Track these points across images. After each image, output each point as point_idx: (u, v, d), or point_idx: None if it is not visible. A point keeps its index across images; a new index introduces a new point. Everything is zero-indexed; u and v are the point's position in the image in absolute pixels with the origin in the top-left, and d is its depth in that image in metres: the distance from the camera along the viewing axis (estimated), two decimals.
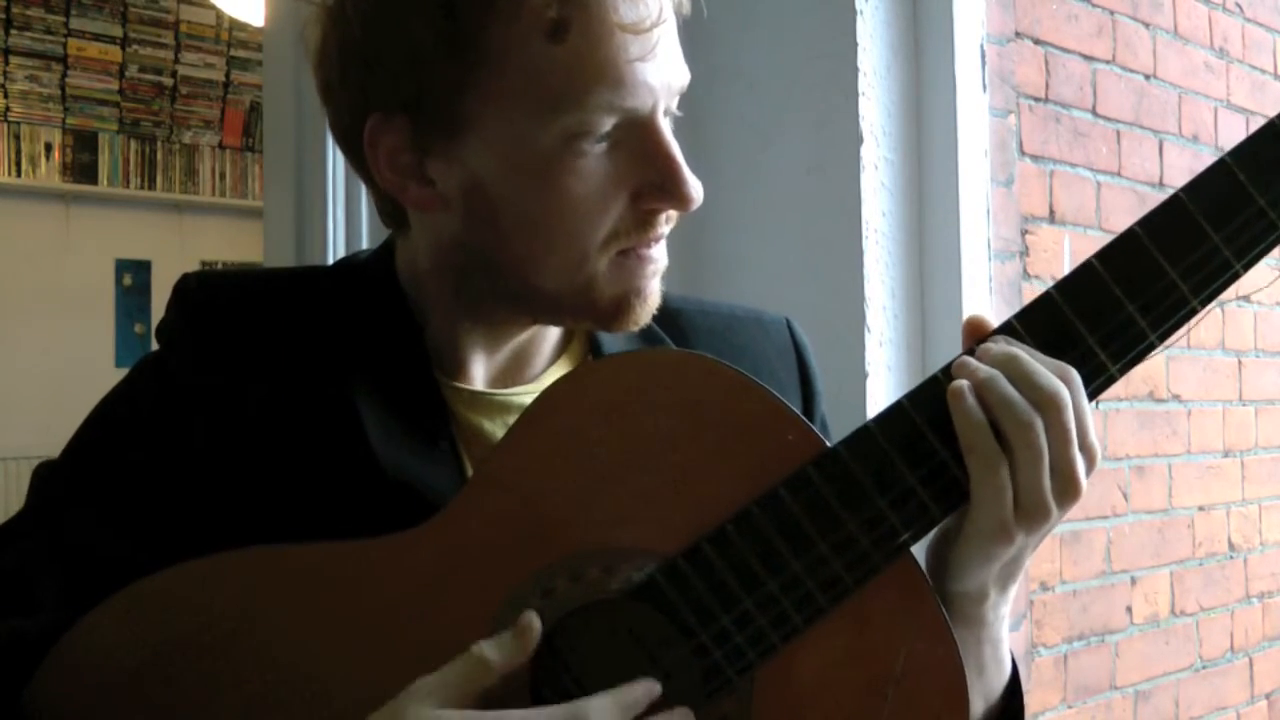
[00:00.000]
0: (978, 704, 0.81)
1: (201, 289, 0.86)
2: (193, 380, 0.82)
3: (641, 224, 0.78)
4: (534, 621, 0.69)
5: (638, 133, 0.76)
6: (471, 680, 0.68)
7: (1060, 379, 0.70)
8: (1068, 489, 0.70)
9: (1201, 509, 2.20)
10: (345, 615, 0.73)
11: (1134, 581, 2.04)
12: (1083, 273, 0.72)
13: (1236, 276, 0.72)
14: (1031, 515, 0.70)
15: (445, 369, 0.85)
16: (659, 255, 0.81)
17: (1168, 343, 0.72)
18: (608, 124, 0.75)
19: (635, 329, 0.82)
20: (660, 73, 0.76)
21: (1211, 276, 0.71)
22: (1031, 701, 1.77)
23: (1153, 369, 2.08)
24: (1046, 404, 0.69)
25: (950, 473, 0.70)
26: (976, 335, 0.74)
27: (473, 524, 0.72)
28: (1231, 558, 2.28)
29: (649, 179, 0.77)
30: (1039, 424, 0.69)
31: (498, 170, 0.77)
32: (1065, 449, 0.70)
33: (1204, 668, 2.19)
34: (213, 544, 0.74)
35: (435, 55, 0.75)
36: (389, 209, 0.86)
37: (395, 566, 0.73)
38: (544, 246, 0.78)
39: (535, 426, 0.73)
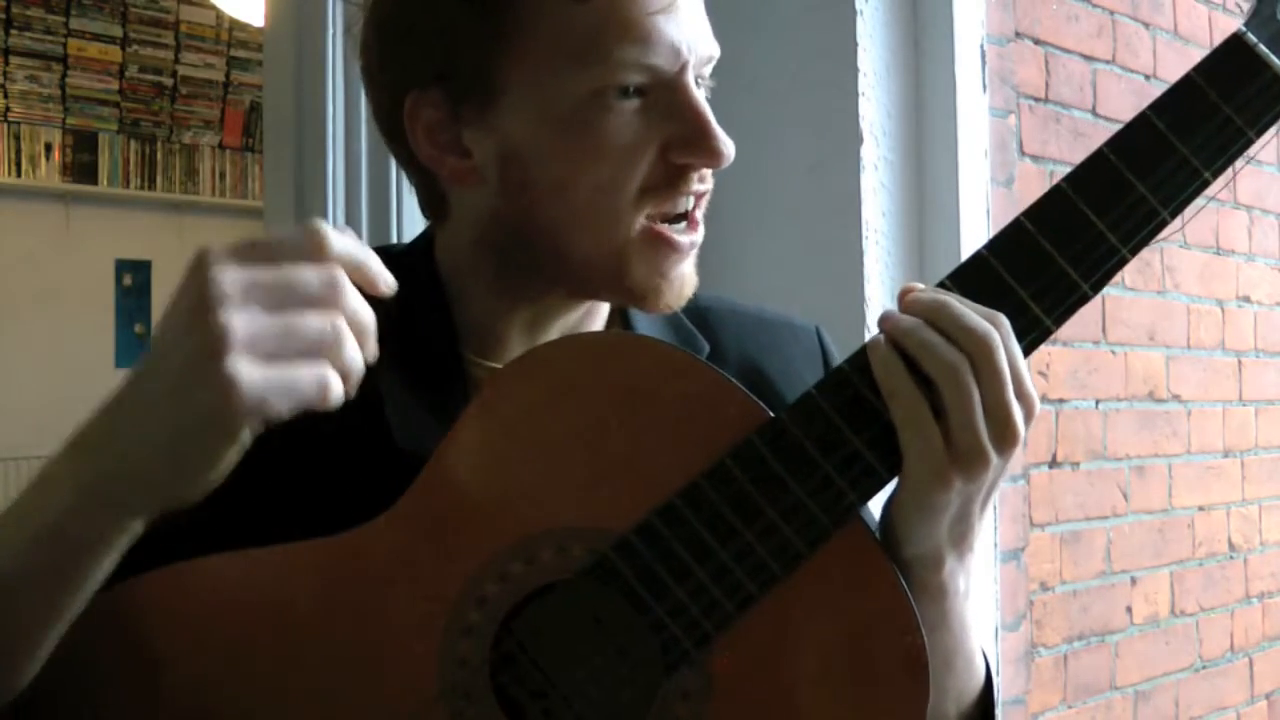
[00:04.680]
0: (949, 707, 0.80)
1: None
2: None
3: (672, 180, 0.80)
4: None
5: (667, 91, 0.79)
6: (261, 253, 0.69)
7: (989, 323, 0.70)
8: (1005, 434, 0.69)
9: (1201, 509, 2.20)
10: (289, 622, 0.73)
11: (1134, 581, 2.04)
12: (1012, 230, 0.73)
13: (1165, 224, 0.73)
14: (968, 461, 0.69)
15: (482, 350, 0.86)
16: (689, 241, 0.82)
17: (1101, 293, 0.74)
18: (634, 79, 0.77)
19: (667, 311, 0.83)
20: (683, 30, 0.78)
21: (1140, 225, 0.73)
22: (1031, 701, 1.78)
23: (1153, 369, 2.09)
24: (975, 344, 0.69)
25: (894, 432, 0.71)
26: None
27: (422, 516, 0.73)
28: (1231, 558, 2.28)
29: (678, 133, 0.79)
30: (964, 364, 0.68)
31: (529, 131, 0.79)
32: (1000, 391, 0.69)
33: (1204, 668, 2.19)
34: (237, 530, 0.74)
35: (465, 22, 0.78)
36: (429, 198, 0.88)
37: (343, 567, 0.73)
38: (575, 206, 0.80)
39: (482, 414, 0.74)
